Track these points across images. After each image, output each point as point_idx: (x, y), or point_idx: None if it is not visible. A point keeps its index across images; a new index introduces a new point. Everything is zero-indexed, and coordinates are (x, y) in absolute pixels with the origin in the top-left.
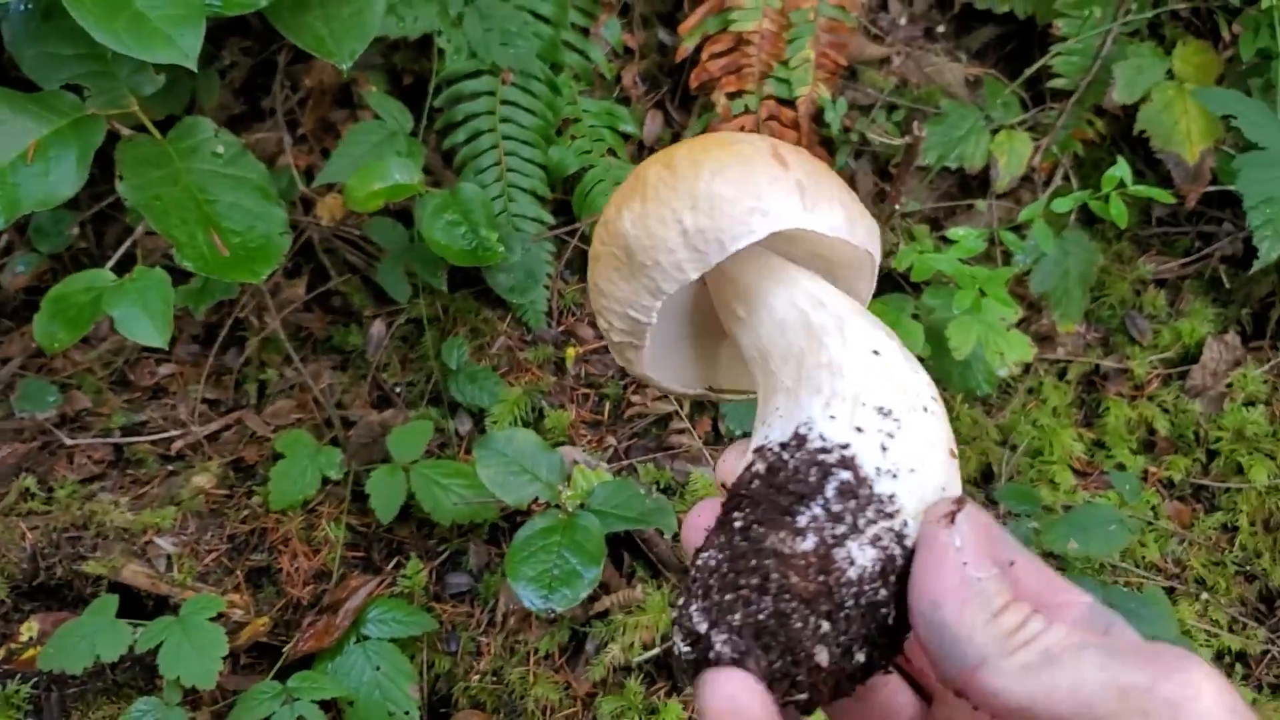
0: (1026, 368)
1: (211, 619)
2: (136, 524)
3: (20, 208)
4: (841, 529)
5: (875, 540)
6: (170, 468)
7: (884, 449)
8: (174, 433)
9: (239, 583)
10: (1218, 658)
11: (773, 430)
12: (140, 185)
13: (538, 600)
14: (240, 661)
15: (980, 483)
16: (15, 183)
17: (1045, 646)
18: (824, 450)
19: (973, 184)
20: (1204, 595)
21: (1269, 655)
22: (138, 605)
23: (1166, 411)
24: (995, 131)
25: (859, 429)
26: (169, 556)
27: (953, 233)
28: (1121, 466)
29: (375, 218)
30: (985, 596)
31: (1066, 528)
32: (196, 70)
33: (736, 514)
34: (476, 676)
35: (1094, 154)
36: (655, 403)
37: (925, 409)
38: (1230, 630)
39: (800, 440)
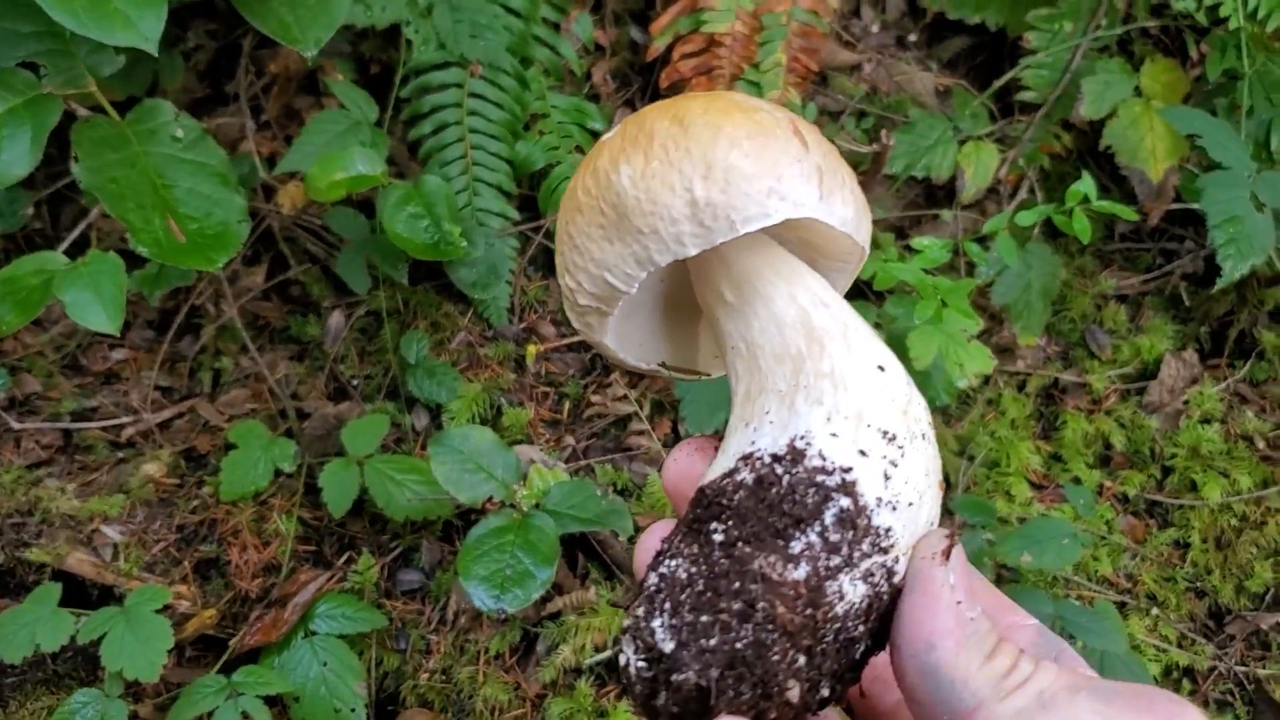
0: (986, 379)
1: (157, 611)
2: (83, 511)
3: None
4: (836, 560)
5: (868, 575)
6: (120, 455)
7: (887, 478)
8: (125, 419)
9: (186, 574)
10: (1166, 673)
11: (762, 437)
12: (96, 168)
13: (489, 600)
14: (186, 653)
15: None
16: None
17: (1039, 690)
18: (824, 471)
19: (939, 194)
20: (1154, 610)
21: (1215, 671)
22: (82, 594)
23: (1123, 427)
24: (963, 142)
25: (863, 452)
26: (115, 545)
27: (917, 242)
28: (1077, 480)
29: (336, 207)
30: (979, 637)
31: (1021, 541)
32: (157, 54)
33: (716, 525)
34: (425, 675)
35: (1060, 168)
36: (615, 403)
37: (924, 435)
38: (1179, 646)
39: (797, 455)
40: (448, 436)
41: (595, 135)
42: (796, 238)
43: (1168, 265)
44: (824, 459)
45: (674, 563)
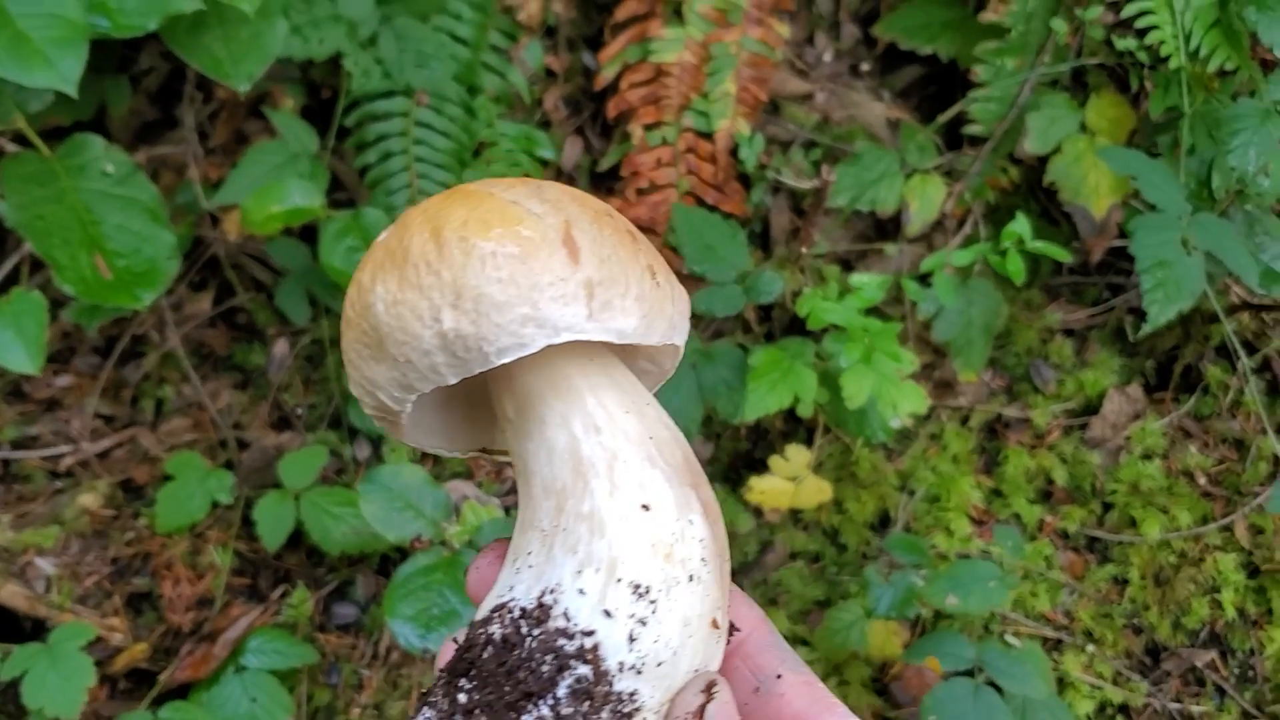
0: (930, 412)
1: (82, 648)
2: (17, 543)
3: None
4: None
5: None
6: (58, 485)
7: (631, 640)
8: (64, 449)
9: (119, 607)
10: (1100, 710)
11: (518, 585)
12: (23, 204)
13: (414, 639)
14: (118, 686)
15: (876, 527)
16: None
17: None
18: (565, 634)
19: (887, 226)
20: (1090, 647)
21: (1149, 708)
22: (15, 626)
23: (1065, 462)
24: (910, 175)
25: (607, 613)
26: (49, 578)
27: (855, 280)
28: (1018, 516)
29: (277, 238)
30: None
31: (947, 583)
32: (76, 96)
33: (463, 683)
34: (357, 710)
35: (1007, 201)
36: None
37: (691, 577)
38: (1114, 683)
39: (543, 612)
40: (378, 474)
41: (545, 164)
42: None
43: (1113, 299)
44: (568, 619)
45: (429, 715)
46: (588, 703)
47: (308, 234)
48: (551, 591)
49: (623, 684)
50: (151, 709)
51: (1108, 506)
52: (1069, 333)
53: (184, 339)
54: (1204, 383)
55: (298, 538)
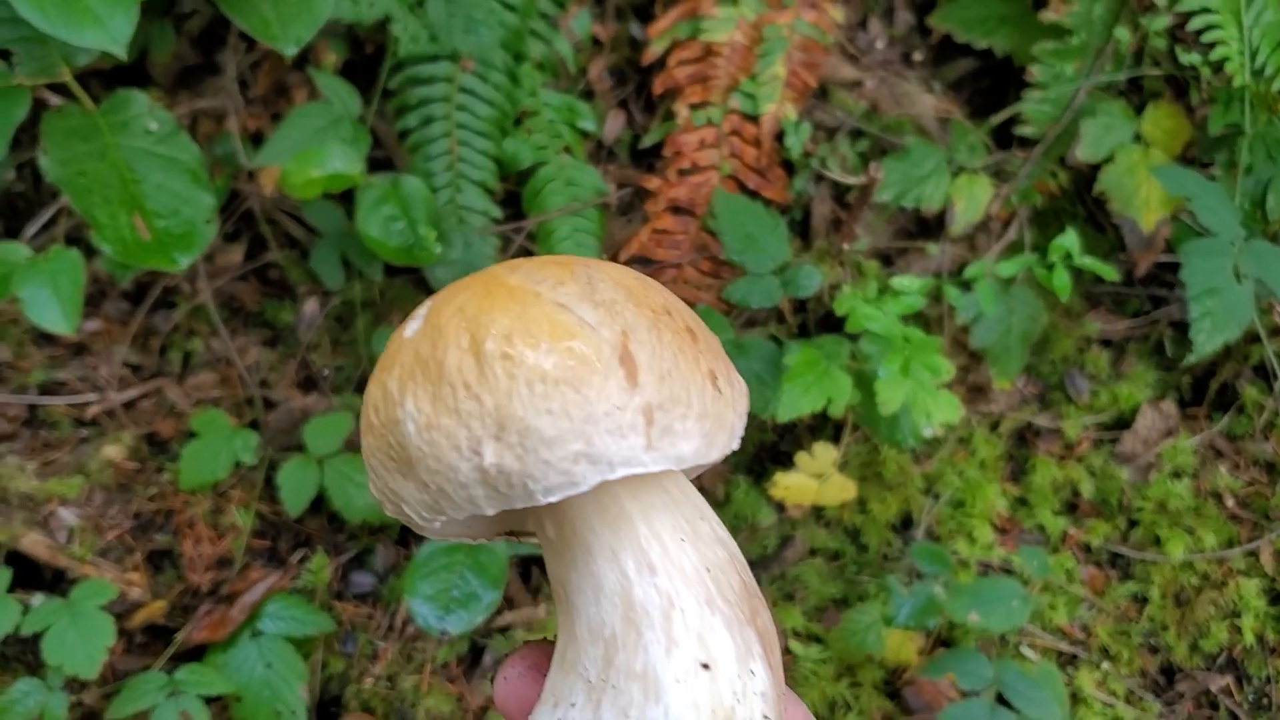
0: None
1: (103, 607)
2: (41, 492)
3: None
4: None
5: None
6: (83, 433)
7: None
8: (91, 397)
9: (139, 563)
10: None
11: None
12: (65, 160)
13: (433, 619)
14: (135, 640)
15: (899, 528)
16: None
17: None
18: None
19: (929, 223)
20: (1105, 664)
21: None
22: (35, 573)
23: (1093, 475)
24: (957, 174)
25: None
26: (71, 529)
27: (897, 283)
28: (1042, 527)
29: (315, 200)
30: None
31: (970, 599)
32: (126, 58)
33: None
34: (370, 680)
35: (1054, 206)
36: None
37: None
38: (1127, 701)
39: None
40: None
41: (585, 135)
42: None
43: (1154, 312)
44: None
45: None
46: None
47: (345, 195)
48: None
49: None
50: (167, 668)
51: (1133, 523)
52: (1106, 343)
53: (214, 293)
54: (1239, 402)
55: (319, 503)
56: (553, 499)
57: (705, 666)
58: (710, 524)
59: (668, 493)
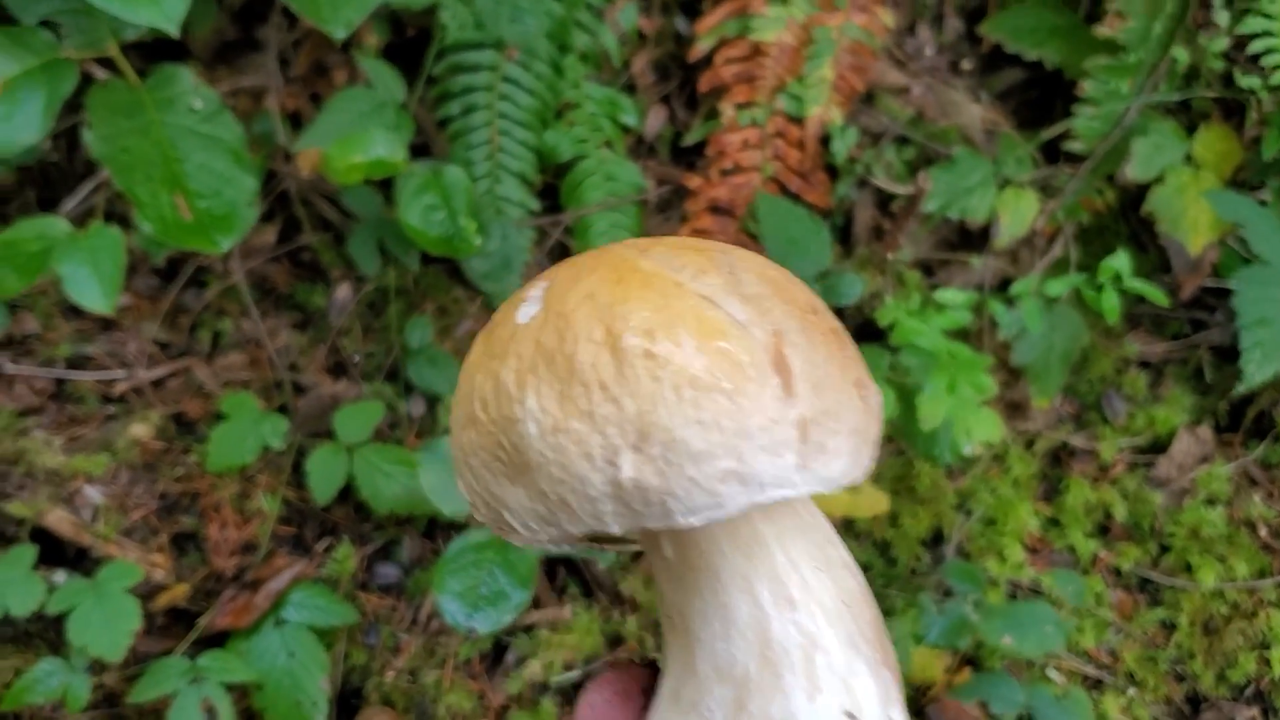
0: None
1: (129, 589)
2: (67, 468)
3: None
4: None
5: None
6: (110, 410)
7: None
8: (119, 373)
9: (164, 544)
10: None
11: None
12: (109, 135)
13: (461, 616)
14: (156, 622)
15: (929, 544)
16: None
17: None
18: None
19: (971, 235)
20: (1131, 690)
21: None
22: (57, 549)
23: (1127, 498)
24: (1003, 186)
25: None
26: (96, 507)
27: (941, 296)
28: (1073, 548)
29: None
30: None
31: (1004, 622)
32: (178, 36)
33: None
34: (392, 674)
35: (1098, 222)
36: None
37: None
38: None
39: None
40: (439, 445)
41: (626, 130)
42: None
43: (1195, 336)
44: None
45: None
46: None
47: (383, 181)
48: None
49: None
50: (189, 653)
51: (1164, 549)
52: (1145, 365)
53: (247, 273)
54: (1276, 430)
55: (346, 492)
56: (694, 521)
57: (850, 716)
58: (839, 549)
59: (799, 515)
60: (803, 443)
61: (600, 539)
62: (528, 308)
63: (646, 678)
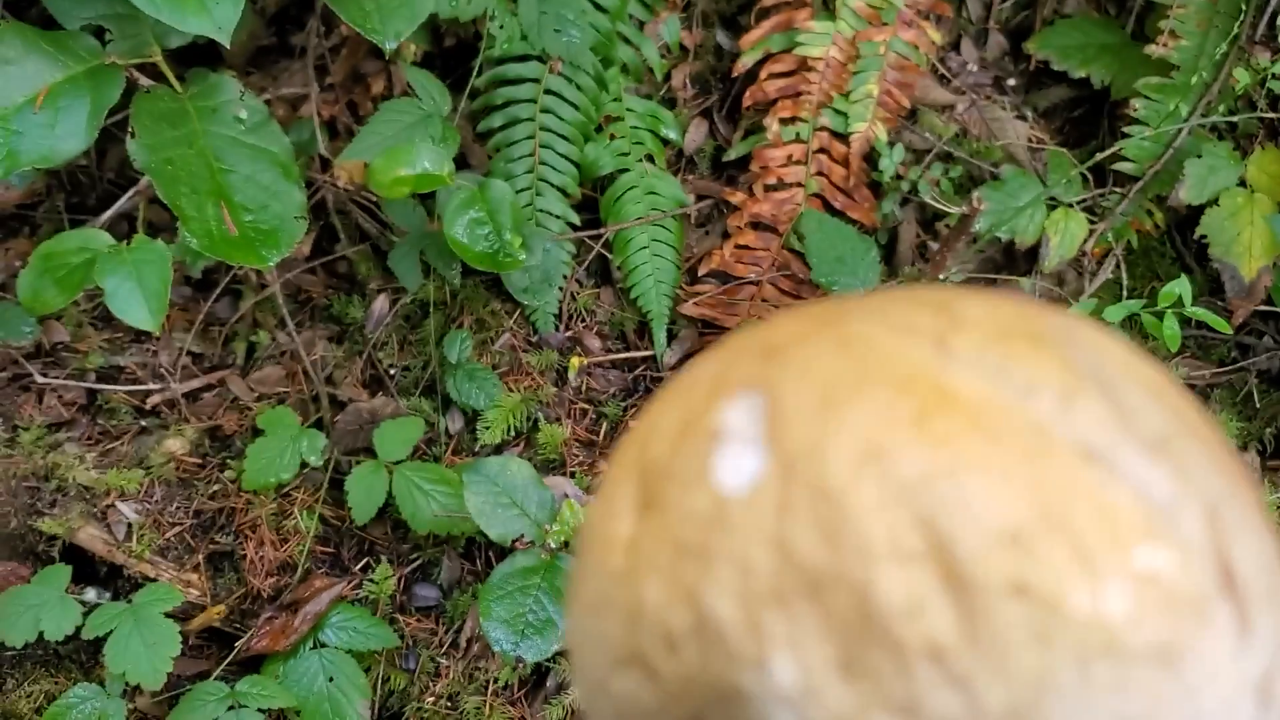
0: None
1: (167, 613)
2: (100, 484)
3: (20, 161)
4: None
5: None
6: (143, 424)
7: None
8: (152, 385)
9: (199, 563)
10: None
11: None
12: (153, 145)
13: (508, 645)
14: (190, 644)
15: None
16: (18, 130)
17: None
18: None
19: (1016, 256)
20: None
21: None
22: (89, 567)
23: None
24: (1052, 207)
25: None
26: (130, 525)
27: None
28: None
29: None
30: None
31: None
32: (230, 44)
33: None
34: (431, 699)
35: (1146, 245)
36: None
37: None
38: None
39: None
40: (484, 466)
41: (667, 144)
42: None
43: (1243, 360)
44: None
45: None
46: None
47: (423, 195)
48: None
49: None
50: (226, 677)
51: None
52: (1191, 388)
53: (282, 283)
54: None
55: (383, 510)
56: None
57: None
58: None
59: None
60: (1263, 712)
61: None
62: (736, 455)
63: None
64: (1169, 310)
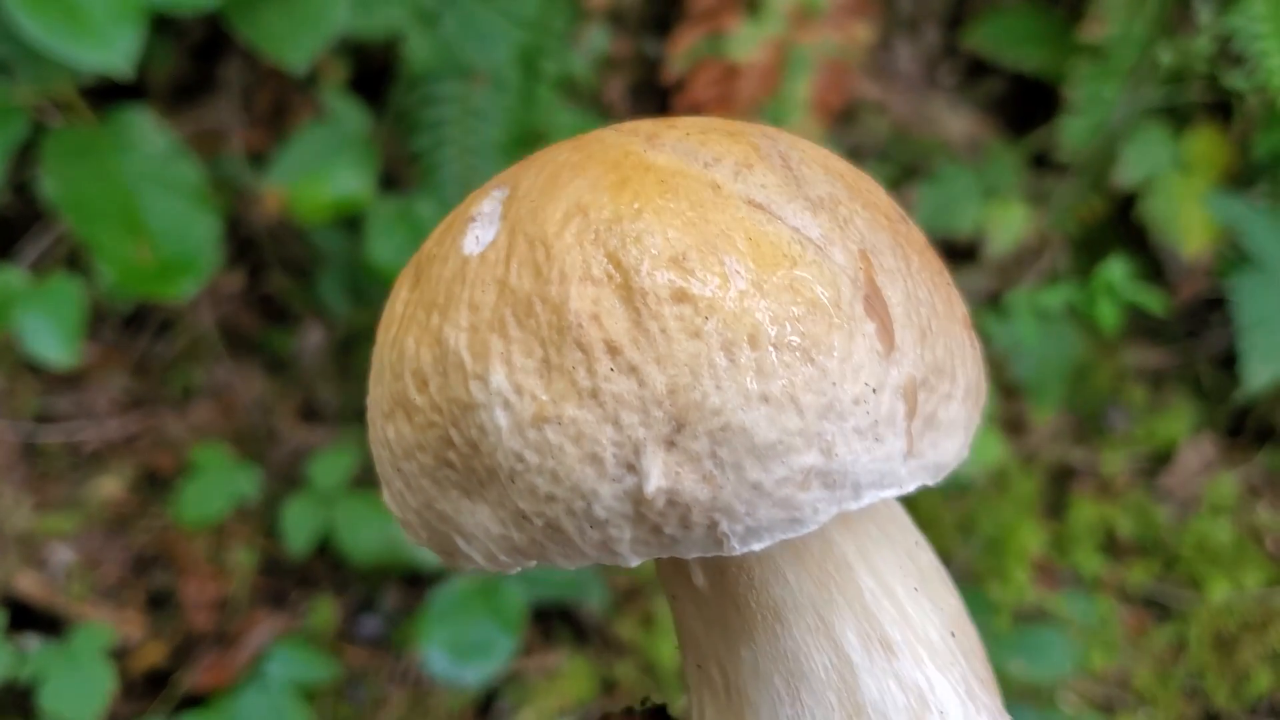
0: None
1: (102, 651)
2: (38, 529)
3: None
4: None
5: None
6: (80, 467)
7: None
8: (87, 429)
9: (138, 603)
10: None
11: None
12: (66, 181)
13: (448, 667)
14: (133, 686)
15: None
16: None
17: None
18: None
19: (959, 250)
20: (1143, 711)
21: None
22: (27, 613)
23: (1131, 514)
24: (990, 198)
25: None
26: (67, 567)
27: None
28: (1078, 567)
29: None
30: None
31: (1013, 647)
32: (134, 77)
33: None
34: None
35: (1088, 231)
36: None
37: None
38: None
39: None
40: None
41: None
42: None
43: (1193, 343)
44: None
45: None
46: None
47: (351, 219)
48: None
49: None
50: (167, 714)
51: (1172, 563)
52: (1144, 375)
53: (216, 319)
54: (1278, 437)
55: (325, 542)
56: (754, 547)
57: None
58: (927, 552)
59: (878, 513)
60: (910, 417)
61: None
62: (479, 230)
63: None
64: (1102, 292)
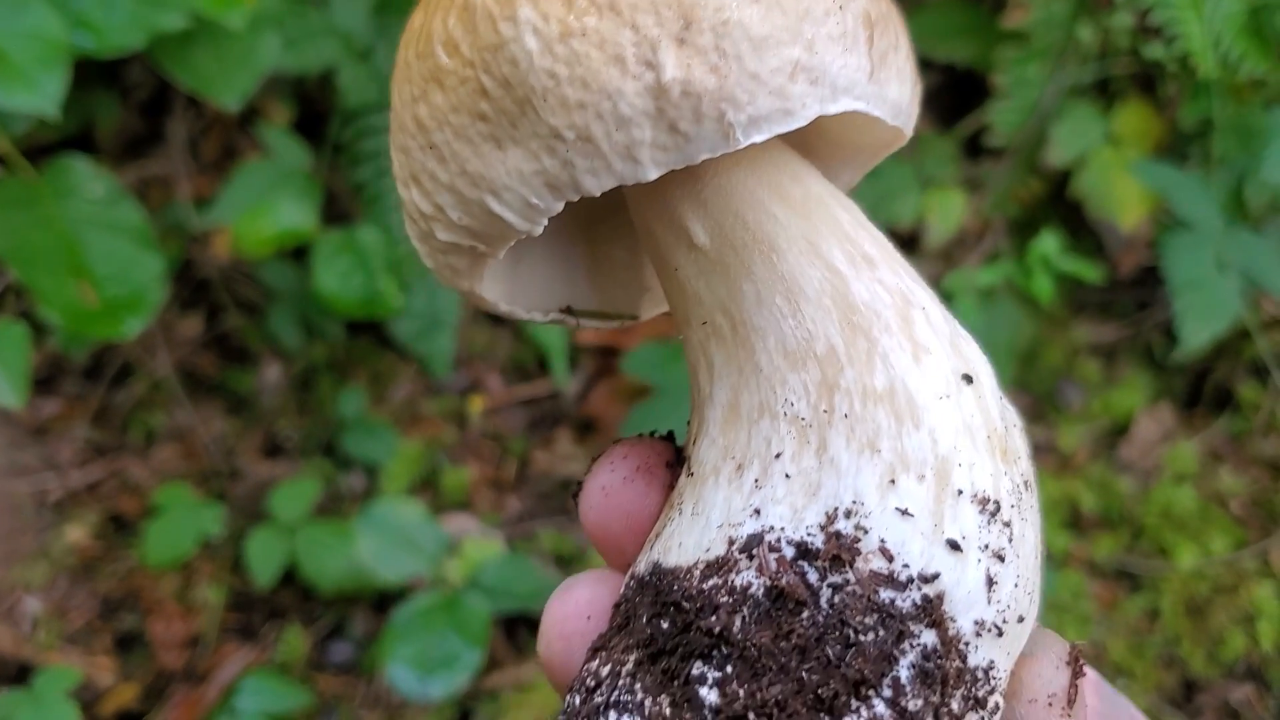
0: None
1: (67, 693)
2: (5, 581)
3: None
4: None
5: None
6: (46, 516)
7: (991, 584)
8: (52, 478)
9: (107, 646)
10: None
11: (773, 504)
12: (8, 230)
13: (414, 683)
14: None
15: None
16: None
17: None
18: (891, 582)
19: (902, 240)
20: (1121, 682)
21: None
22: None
23: (1093, 487)
24: (928, 188)
25: (953, 544)
26: (36, 617)
27: None
28: (1045, 544)
29: (269, 260)
30: None
31: None
32: (61, 118)
33: (703, 669)
34: None
35: (1030, 214)
36: (562, 461)
37: (1028, 483)
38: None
39: (843, 549)
40: (374, 509)
41: None
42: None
43: (1141, 315)
44: (890, 557)
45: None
46: (936, 688)
47: (300, 252)
48: (850, 514)
49: (979, 654)
50: None
51: (1138, 533)
52: (1096, 349)
53: (174, 363)
54: (1235, 401)
55: (291, 573)
56: (755, 138)
57: (968, 380)
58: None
59: (831, 189)
60: (870, 43)
61: (586, 314)
62: None
63: (667, 450)
64: (1037, 267)
